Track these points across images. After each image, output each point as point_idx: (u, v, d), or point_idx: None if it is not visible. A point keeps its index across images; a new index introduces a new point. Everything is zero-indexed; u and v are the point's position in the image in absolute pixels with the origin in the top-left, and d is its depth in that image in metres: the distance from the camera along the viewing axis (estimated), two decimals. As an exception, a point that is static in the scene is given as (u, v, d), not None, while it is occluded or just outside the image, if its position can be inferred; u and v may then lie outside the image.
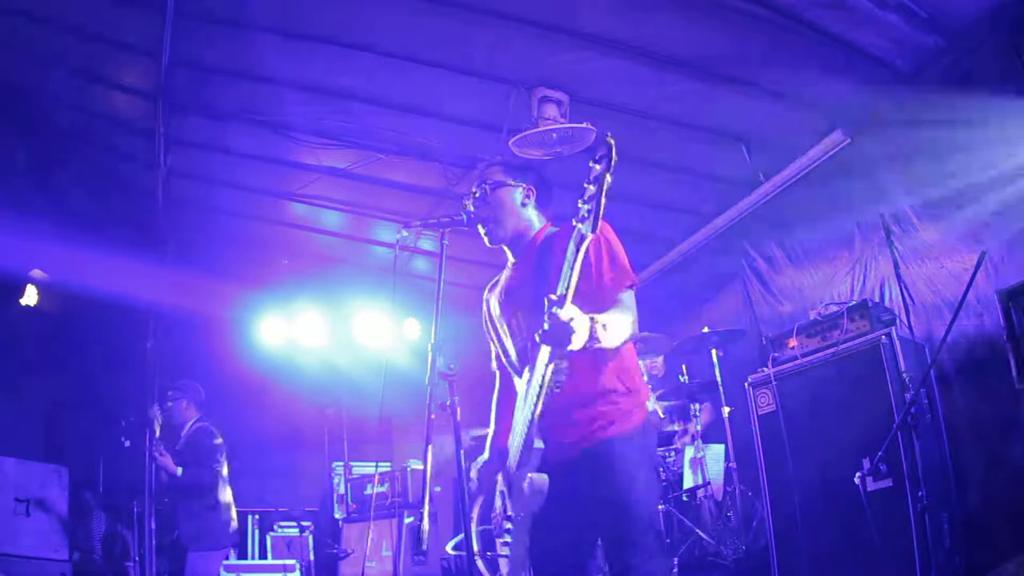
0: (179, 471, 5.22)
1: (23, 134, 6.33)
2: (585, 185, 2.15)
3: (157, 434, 5.36)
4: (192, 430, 5.51)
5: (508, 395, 2.81)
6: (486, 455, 2.79)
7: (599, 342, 2.30)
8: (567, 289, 2.23)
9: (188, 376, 5.85)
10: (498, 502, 2.64)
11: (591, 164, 2.14)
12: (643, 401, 2.59)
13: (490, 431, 2.87)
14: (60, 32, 5.02)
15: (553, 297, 2.22)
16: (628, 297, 2.49)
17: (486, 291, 2.90)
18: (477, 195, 2.73)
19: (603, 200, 2.13)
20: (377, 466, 7.44)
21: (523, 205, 2.73)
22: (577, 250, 2.21)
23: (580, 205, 2.17)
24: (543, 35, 4.46)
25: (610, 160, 2.10)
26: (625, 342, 2.48)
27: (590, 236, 2.18)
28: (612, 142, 2.11)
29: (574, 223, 2.19)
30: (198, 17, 4.59)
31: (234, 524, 5.50)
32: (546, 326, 2.22)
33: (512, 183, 2.73)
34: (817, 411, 4.25)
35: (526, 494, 2.40)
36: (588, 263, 2.46)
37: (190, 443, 5.44)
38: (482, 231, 2.73)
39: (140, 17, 4.56)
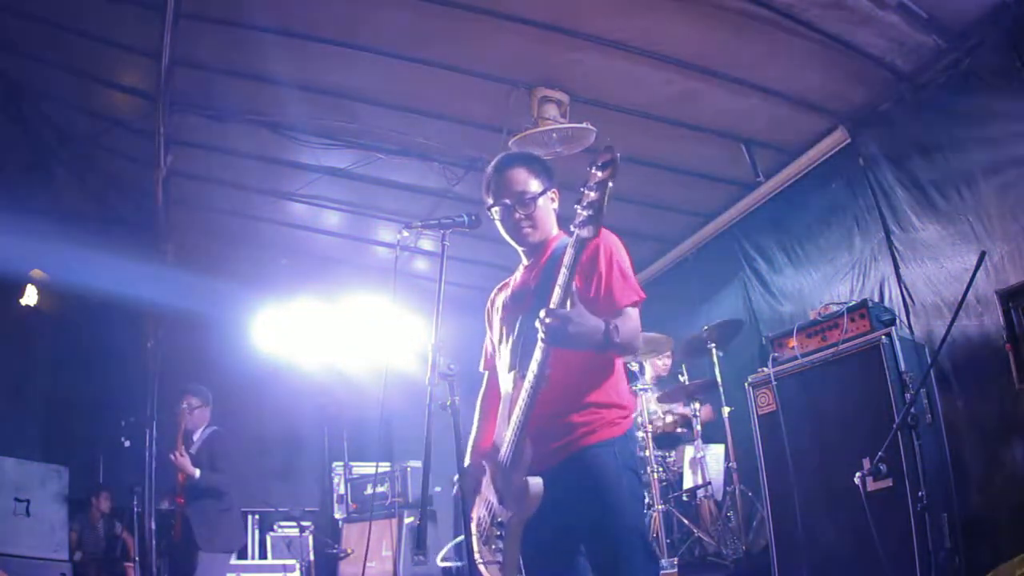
0: (197, 473, 5.21)
1: (23, 134, 6.33)
2: (584, 191, 2.14)
3: (179, 438, 5.35)
4: (207, 434, 5.51)
5: (493, 397, 2.81)
6: (469, 460, 2.75)
7: (614, 341, 2.33)
8: (564, 292, 2.24)
9: (188, 376, 5.84)
10: (482, 510, 2.62)
11: (592, 171, 2.12)
12: (628, 414, 2.58)
13: (472, 433, 2.83)
14: (60, 32, 5.02)
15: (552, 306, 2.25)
16: (634, 312, 2.49)
17: (494, 291, 2.89)
18: (521, 211, 2.63)
19: (605, 206, 2.12)
20: (377, 466, 7.43)
21: (553, 211, 2.71)
22: (576, 254, 2.21)
23: (580, 211, 2.15)
24: (543, 35, 4.46)
25: (614, 168, 2.09)
26: (629, 352, 2.51)
27: (591, 240, 2.18)
28: (615, 151, 2.10)
29: (573, 228, 2.19)
30: (198, 17, 4.59)
31: (241, 529, 5.52)
32: (542, 328, 2.24)
33: (545, 190, 2.67)
34: (817, 411, 4.25)
35: (521, 498, 2.39)
36: (597, 273, 2.47)
37: (206, 447, 5.43)
38: (518, 233, 2.65)
39: (140, 17, 4.56)
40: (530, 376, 2.36)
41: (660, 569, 2.58)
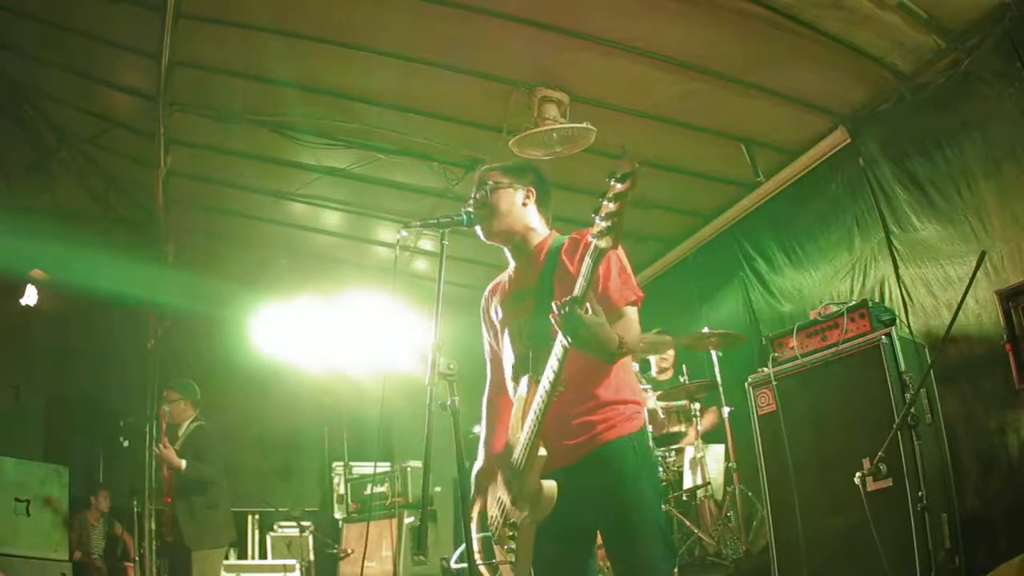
0: (183, 464, 5.23)
1: (23, 134, 6.33)
2: (603, 202, 2.12)
3: (163, 430, 5.37)
4: (191, 429, 5.52)
5: (500, 394, 2.81)
6: (481, 460, 2.78)
7: (619, 353, 2.36)
8: (584, 302, 2.24)
9: (188, 376, 5.85)
10: (494, 509, 2.63)
11: (611, 182, 2.10)
12: (642, 408, 2.61)
13: (483, 434, 2.85)
14: (61, 32, 5.02)
15: (570, 300, 2.23)
16: (632, 312, 2.50)
17: (487, 291, 2.90)
18: (477, 197, 2.73)
19: (624, 217, 2.11)
20: (376, 466, 7.43)
21: (523, 206, 2.73)
22: (594, 264, 2.20)
23: (598, 222, 2.14)
24: (543, 35, 4.46)
25: (634, 180, 2.09)
26: (629, 355, 2.52)
27: (609, 250, 2.18)
28: (636, 165, 2.09)
29: (590, 239, 2.18)
30: (198, 17, 4.59)
31: (230, 525, 5.50)
32: (564, 322, 2.22)
33: (512, 184, 2.72)
34: (817, 411, 4.25)
35: (535, 500, 2.39)
36: (596, 275, 2.47)
37: (190, 441, 5.44)
38: (478, 227, 2.73)
39: (140, 17, 4.56)
40: (546, 381, 2.36)
41: (677, 562, 2.57)
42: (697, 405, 5.55)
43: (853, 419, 4.05)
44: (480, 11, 4.35)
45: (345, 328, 7.61)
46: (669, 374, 6.17)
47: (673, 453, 5.71)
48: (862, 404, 4.04)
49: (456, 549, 6.64)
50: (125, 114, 5.88)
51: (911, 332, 4.44)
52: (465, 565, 5.96)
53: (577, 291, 2.22)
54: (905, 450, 3.75)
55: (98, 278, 6.46)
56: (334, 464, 7.72)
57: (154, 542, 5.98)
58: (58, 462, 6.94)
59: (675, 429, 5.90)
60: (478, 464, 2.77)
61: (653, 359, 6.11)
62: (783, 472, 4.31)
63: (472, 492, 2.73)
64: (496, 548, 2.59)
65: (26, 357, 7.48)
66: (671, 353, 6.13)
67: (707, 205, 6.19)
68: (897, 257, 4.70)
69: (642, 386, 5.64)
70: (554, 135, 4.73)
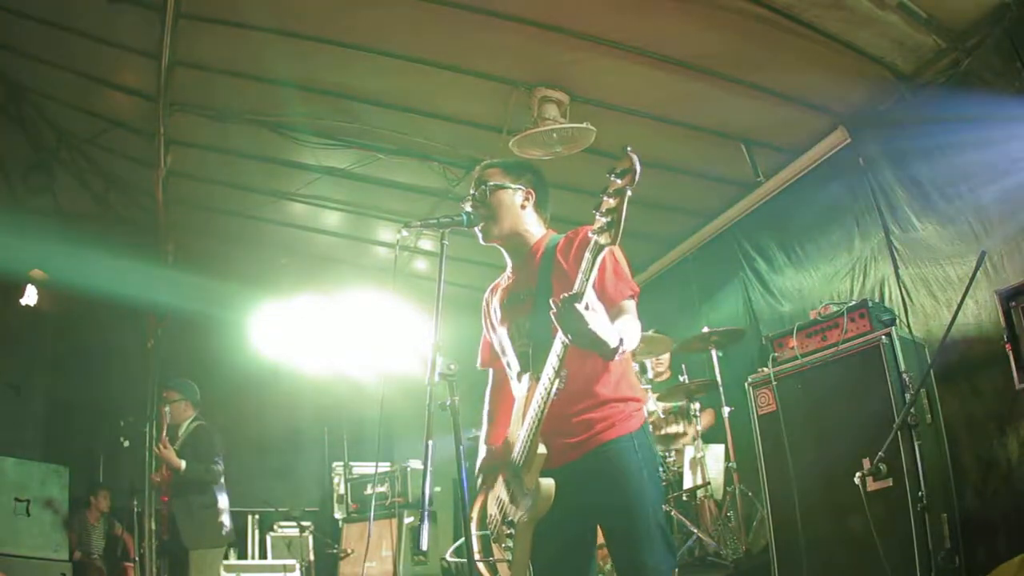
0: (183, 465, 5.23)
1: (23, 134, 6.34)
2: (603, 198, 2.12)
3: (164, 431, 5.37)
4: (191, 429, 5.52)
5: (501, 393, 2.82)
6: (483, 453, 2.79)
7: (622, 351, 2.33)
8: (583, 293, 2.23)
9: (188, 376, 5.85)
10: (493, 507, 2.63)
11: (611, 178, 2.11)
12: (641, 406, 2.61)
13: (484, 431, 2.87)
14: (60, 32, 5.02)
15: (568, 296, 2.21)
16: (630, 305, 2.50)
17: (487, 293, 2.90)
18: (476, 196, 2.73)
19: (624, 213, 2.11)
20: (377, 466, 7.44)
21: (522, 207, 2.73)
22: (594, 260, 2.20)
23: (598, 218, 2.14)
24: (543, 35, 4.46)
25: (633, 176, 2.09)
26: (631, 348, 2.52)
27: (609, 247, 2.17)
28: (635, 159, 2.09)
29: (590, 235, 2.18)
30: (198, 17, 4.59)
31: (228, 524, 5.51)
32: (563, 318, 2.20)
33: (511, 184, 2.72)
34: (817, 411, 4.25)
35: (534, 499, 2.39)
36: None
37: (190, 441, 5.45)
38: (477, 229, 2.73)
39: (140, 17, 4.56)
40: (546, 378, 2.36)
41: (677, 562, 2.55)
42: (697, 405, 5.55)
43: (853, 419, 4.05)
44: (480, 11, 4.34)
45: (345, 328, 7.61)
46: (666, 376, 6.17)
47: (673, 453, 5.71)
48: (862, 404, 4.04)
49: (454, 546, 6.64)
50: (125, 114, 5.88)
51: (911, 332, 4.44)
52: (463, 560, 5.97)
53: (577, 287, 2.20)
54: (905, 450, 3.75)
55: (98, 278, 6.46)
56: (334, 464, 7.72)
57: (154, 542, 5.99)
58: (58, 462, 6.94)
59: (674, 430, 5.89)
60: (480, 455, 2.77)
61: (649, 362, 6.10)
62: (783, 472, 4.31)
63: (478, 483, 2.73)
64: (494, 546, 2.59)
65: (26, 357, 7.49)
66: (666, 356, 6.13)
67: (707, 205, 6.19)
68: (897, 257, 4.70)
69: (642, 386, 5.64)
70: (554, 135, 4.73)
